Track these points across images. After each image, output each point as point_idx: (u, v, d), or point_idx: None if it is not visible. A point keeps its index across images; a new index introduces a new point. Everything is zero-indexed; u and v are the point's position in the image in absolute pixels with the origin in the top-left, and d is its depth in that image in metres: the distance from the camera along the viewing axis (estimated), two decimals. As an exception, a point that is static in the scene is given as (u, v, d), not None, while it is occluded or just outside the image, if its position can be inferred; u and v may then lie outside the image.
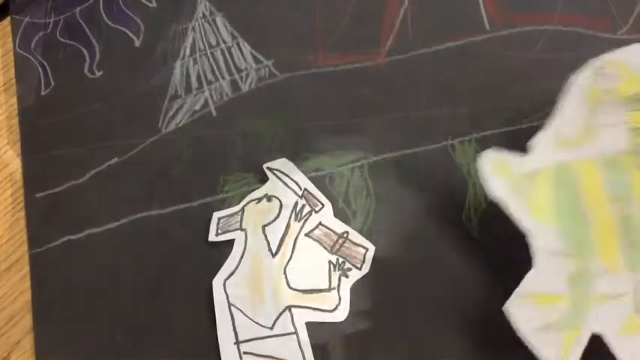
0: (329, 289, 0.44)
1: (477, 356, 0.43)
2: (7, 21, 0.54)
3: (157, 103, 0.50)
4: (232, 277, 0.44)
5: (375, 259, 0.45)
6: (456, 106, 0.49)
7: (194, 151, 0.49)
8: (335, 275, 0.44)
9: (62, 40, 0.52)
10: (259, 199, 0.46)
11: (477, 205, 0.46)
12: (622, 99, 0.42)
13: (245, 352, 0.43)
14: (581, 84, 0.42)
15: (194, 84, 0.50)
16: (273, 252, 0.44)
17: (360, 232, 0.46)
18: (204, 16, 0.52)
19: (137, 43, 0.51)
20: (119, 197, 0.48)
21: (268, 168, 0.46)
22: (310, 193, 0.46)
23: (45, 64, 0.51)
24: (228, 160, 0.48)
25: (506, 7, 0.50)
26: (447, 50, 0.50)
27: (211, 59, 0.51)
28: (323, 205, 0.45)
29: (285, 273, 0.44)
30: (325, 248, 0.45)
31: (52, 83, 0.51)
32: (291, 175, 0.46)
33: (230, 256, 0.45)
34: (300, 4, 0.52)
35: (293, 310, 0.43)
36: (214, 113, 0.49)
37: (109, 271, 0.46)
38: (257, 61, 0.50)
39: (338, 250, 0.45)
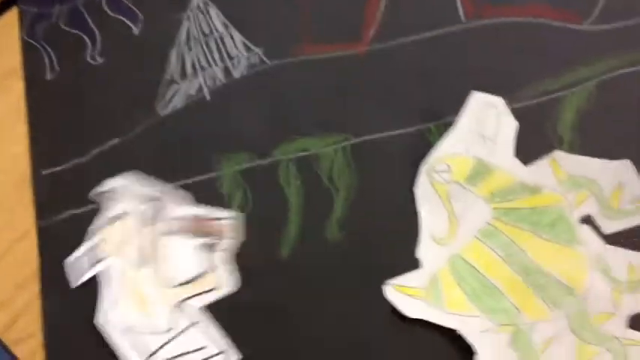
0: (210, 270, 0.45)
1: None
2: (14, 11, 0.55)
3: (154, 88, 0.51)
4: (114, 306, 0.45)
5: (353, 226, 0.47)
6: (432, 93, 0.50)
7: (189, 133, 0.50)
8: (208, 255, 0.45)
9: (66, 29, 0.54)
10: (111, 223, 0.46)
11: (451, 184, 0.47)
12: (463, 182, 0.46)
13: None
14: (425, 189, 0.46)
15: (189, 70, 0.52)
16: (141, 264, 0.45)
17: (343, 207, 0.47)
18: (198, 6, 0.53)
19: (136, 32, 0.53)
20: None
21: (96, 194, 0.47)
22: (147, 195, 0.46)
23: (50, 51, 0.53)
24: (220, 141, 0.50)
25: (480, -1, 0.52)
26: (424, 40, 0.51)
27: (205, 47, 0.52)
28: (163, 199, 0.46)
29: (159, 277, 0.45)
30: (186, 236, 0.45)
31: (57, 69, 0.52)
32: (124, 187, 0.47)
33: (103, 289, 0.46)
34: (289, -4, 0.53)
35: (182, 304, 0.44)
36: (208, 98, 0.51)
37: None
38: (248, 49, 0.52)
39: (202, 231, 0.45)
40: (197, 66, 0.52)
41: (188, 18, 0.53)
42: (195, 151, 0.49)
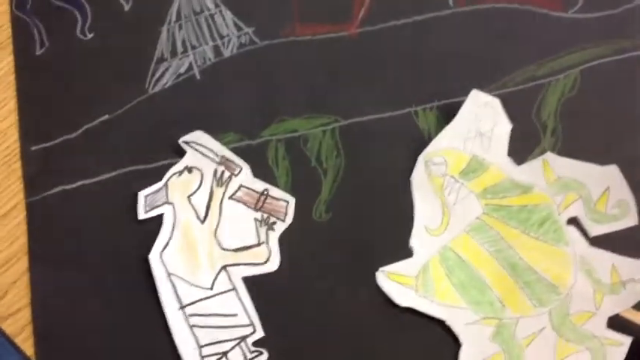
0: (258, 244, 0.45)
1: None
2: (3, -17, 0.54)
3: (144, 65, 0.51)
4: (167, 248, 0.45)
5: (340, 208, 0.47)
6: (420, 76, 0.50)
7: (178, 111, 0.50)
8: (262, 230, 0.46)
9: (56, 3, 0.52)
10: (180, 172, 0.47)
11: (436, 167, 0.48)
12: (457, 176, 0.46)
13: (190, 315, 0.44)
14: (420, 179, 0.47)
15: (179, 48, 0.51)
16: (202, 219, 0.46)
17: (331, 188, 0.48)
18: (189, -17, 0.53)
19: (126, 8, 0.52)
20: (110, 151, 0.49)
21: (184, 142, 0.47)
22: (228, 159, 0.47)
23: (40, 25, 0.52)
24: (209, 120, 0.49)
25: (469, -15, 0.52)
26: (413, 24, 0.52)
27: (195, 25, 0.51)
28: (241, 168, 0.47)
29: (215, 236, 0.46)
30: (249, 207, 0.46)
31: (47, 44, 0.51)
32: (207, 145, 0.47)
33: (162, 229, 0.46)
34: (280, -24, 0.53)
35: (228, 268, 0.45)
36: (198, 76, 0.51)
37: (99, 219, 0.48)
38: (238, 28, 0.52)
39: (261, 207, 0.46)
40: (187, 44, 0.51)
41: (179, -5, 0.52)
42: (184, 129, 0.49)
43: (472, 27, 0.52)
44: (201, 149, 0.47)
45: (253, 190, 0.46)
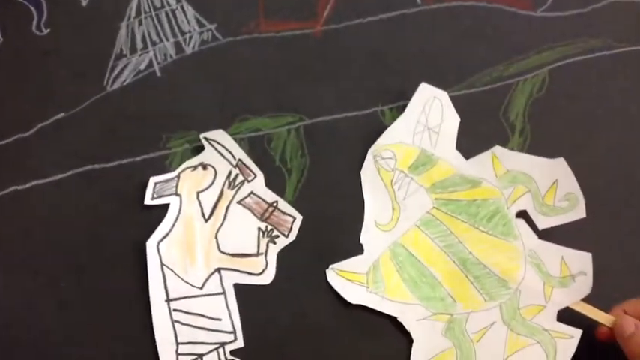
0: (257, 254, 0.44)
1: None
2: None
3: (102, 62, 0.49)
4: (166, 238, 0.44)
5: (304, 208, 0.46)
6: (386, 75, 0.49)
7: (138, 109, 0.48)
8: (263, 241, 0.45)
9: (11, -3, 0.50)
10: (195, 167, 0.46)
11: (403, 167, 0.47)
12: (406, 170, 0.46)
13: (175, 310, 0.43)
14: (370, 174, 0.46)
15: (139, 44, 0.49)
16: (206, 217, 0.45)
17: (295, 188, 0.46)
18: (150, -22, 0.51)
19: (84, 3, 0.50)
20: (64, 151, 0.47)
21: (205, 138, 0.46)
22: (244, 163, 0.46)
23: (-7, 20, 0.50)
24: (170, 119, 0.48)
25: (436, -17, 0.51)
26: (379, 22, 0.50)
27: (156, 21, 0.50)
28: (255, 176, 0.46)
29: (216, 237, 0.44)
30: (255, 216, 0.45)
31: (1, 39, 0.49)
32: (227, 146, 0.46)
33: (165, 219, 0.45)
34: (243, -29, 0.51)
35: (222, 272, 0.44)
36: (158, 73, 0.49)
37: (52, 221, 0.46)
38: (200, 24, 0.50)
39: (267, 218, 0.45)
40: (148, 40, 0.49)
41: (139, -10, 0.51)
42: (144, 128, 0.47)
43: (439, 25, 0.51)
44: (220, 149, 0.46)
45: (263, 200, 0.45)
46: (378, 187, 0.46)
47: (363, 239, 0.45)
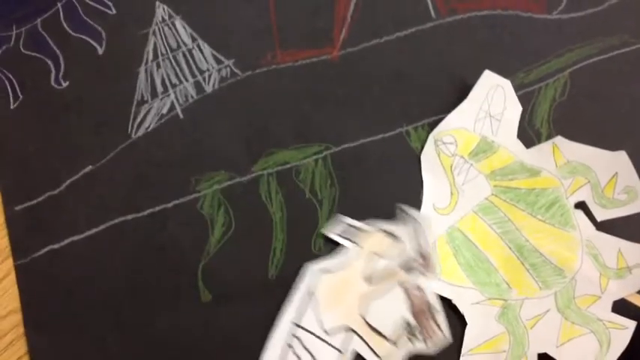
0: (390, 341, 0.43)
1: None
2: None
3: (124, 110, 0.48)
4: (328, 274, 0.44)
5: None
6: (407, 94, 0.48)
7: (165, 154, 0.47)
8: (403, 333, 0.43)
9: (26, 52, 0.49)
10: (386, 233, 0.45)
11: (433, 186, 0.46)
12: (467, 156, 0.45)
13: (294, 335, 0.43)
14: (430, 157, 0.46)
15: (159, 88, 0.48)
16: (369, 279, 0.44)
17: (327, 219, 0.45)
18: (163, 19, 0.50)
19: (100, 51, 0.49)
20: (96, 204, 0.46)
21: (404, 211, 0.45)
22: (428, 259, 0.44)
23: (11, 77, 0.49)
24: (197, 160, 0.47)
25: (450, -5, 0.50)
26: (396, 40, 0.50)
27: (174, 62, 0.49)
28: (432, 274, 0.44)
29: (366, 301, 0.43)
30: (411, 308, 0.44)
31: (20, 96, 0.49)
32: (419, 234, 0.45)
33: (336, 258, 0.44)
34: (256, 3, 0.50)
35: (352, 334, 0.43)
36: (181, 115, 0.48)
37: (90, 277, 0.45)
38: (218, 61, 0.49)
39: (419, 317, 0.43)
40: (167, 83, 0.48)
41: (154, 33, 0.50)
42: (172, 172, 0.47)
43: (456, 38, 0.50)
44: (413, 232, 0.44)
45: (427, 300, 0.44)
46: (438, 171, 0.46)
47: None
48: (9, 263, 0.46)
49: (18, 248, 0.46)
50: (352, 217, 0.45)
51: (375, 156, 0.47)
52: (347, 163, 0.47)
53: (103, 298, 0.45)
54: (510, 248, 0.44)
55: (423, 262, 0.44)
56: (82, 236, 0.46)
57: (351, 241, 0.45)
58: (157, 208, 0.46)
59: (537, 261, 0.44)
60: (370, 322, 0.43)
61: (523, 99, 0.48)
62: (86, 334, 0.44)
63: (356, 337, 0.43)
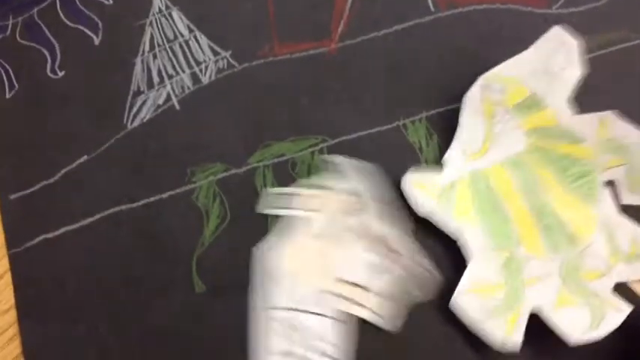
0: (372, 291, 0.42)
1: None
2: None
3: (120, 100, 0.48)
4: (273, 250, 0.43)
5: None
6: (405, 87, 0.48)
7: (160, 145, 0.47)
8: (382, 279, 0.43)
9: (22, 42, 0.49)
10: (339, 192, 0.44)
11: (430, 180, 0.45)
12: (511, 107, 0.44)
13: (273, 319, 0.42)
14: (474, 100, 0.44)
15: (155, 79, 0.48)
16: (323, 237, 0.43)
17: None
18: (160, 10, 0.49)
19: (96, 42, 0.49)
20: (91, 194, 0.46)
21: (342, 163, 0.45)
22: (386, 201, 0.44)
23: (7, 66, 0.49)
24: (193, 151, 0.46)
25: (449, -11, 0.49)
26: (395, 33, 0.49)
27: (170, 53, 0.48)
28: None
29: (329, 259, 0.43)
30: (367, 248, 0.43)
31: (16, 86, 0.48)
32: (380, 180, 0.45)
33: (278, 232, 0.44)
34: (253, -6, 0.50)
35: (332, 295, 0.42)
36: (177, 106, 0.48)
37: (85, 267, 0.45)
38: (215, 52, 0.48)
39: (384, 250, 0.43)
40: (164, 74, 0.48)
41: (150, 24, 0.49)
42: (167, 163, 0.46)
43: (455, 32, 0.49)
44: (350, 174, 0.45)
45: (386, 235, 0.43)
46: (478, 115, 0.45)
47: (446, 157, 0.44)
48: (9, 258, 0.46)
49: (12, 237, 0.45)
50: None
51: (372, 149, 0.46)
52: (343, 155, 0.46)
53: (96, 287, 0.44)
54: (529, 206, 0.43)
55: (390, 209, 0.44)
56: (76, 226, 0.45)
57: (291, 208, 0.44)
58: (152, 199, 0.46)
59: (553, 224, 0.43)
60: (342, 277, 0.42)
61: (523, 94, 0.47)
62: (79, 323, 0.44)
63: (337, 297, 0.42)
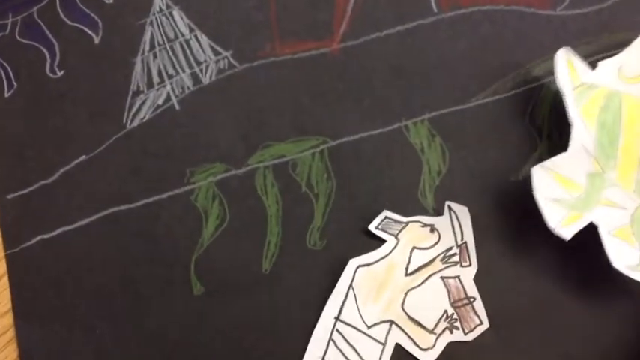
0: (431, 331, 0.42)
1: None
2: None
3: (120, 100, 0.47)
4: (366, 266, 0.43)
5: (335, 233, 0.44)
6: (408, 88, 0.47)
7: (160, 145, 0.46)
8: (442, 324, 0.42)
9: (22, 40, 0.49)
10: (424, 225, 0.44)
11: (431, 183, 0.45)
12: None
13: (337, 330, 0.42)
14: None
15: (155, 78, 0.47)
16: (408, 272, 0.43)
17: (324, 214, 0.44)
18: (160, 10, 0.49)
19: (96, 41, 0.48)
20: (89, 194, 0.45)
21: (449, 206, 0.44)
22: (467, 248, 0.43)
23: (6, 65, 0.48)
24: (193, 152, 0.46)
25: (452, -11, 0.49)
26: (397, 34, 0.48)
27: (171, 53, 0.48)
28: (470, 265, 0.43)
29: (406, 294, 0.43)
30: (449, 298, 0.43)
31: (15, 85, 0.48)
32: (462, 224, 0.44)
33: (375, 251, 0.43)
34: (255, -6, 0.49)
35: (393, 326, 0.42)
36: (177, 106, 0.47)
37: (82, 268, 0.44)
38: (216, 52, 0.48)
39: (458, 307, 0.43)
40: (164, 74, 0.47)
41: (151, 23, 0.49)
42: (167, 164, 0.45)
43: (458, 33, 0.48)
44: (455, 223, 0.43)
45: (464, 289, 0.43)
46: None
47: (603, 63, 0.44)
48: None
49: (8, 237, 0.45)
50: (347, 213, 0.44)
51: (373, 151, 0.46)
52: (344, 157, 0.46)
53: (94, 288, 0.44)
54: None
55: (461, 252, 0.43)
56: (74, 226, 0.45)
57: (389, 233, 0.43)
58: (151, 199, 0.45)
59: None
60: (410, 314, 0.42)
61: (525, 96, 0.46)
62: (76, 324, 0.43)
63: (396, 328, 0.42)
